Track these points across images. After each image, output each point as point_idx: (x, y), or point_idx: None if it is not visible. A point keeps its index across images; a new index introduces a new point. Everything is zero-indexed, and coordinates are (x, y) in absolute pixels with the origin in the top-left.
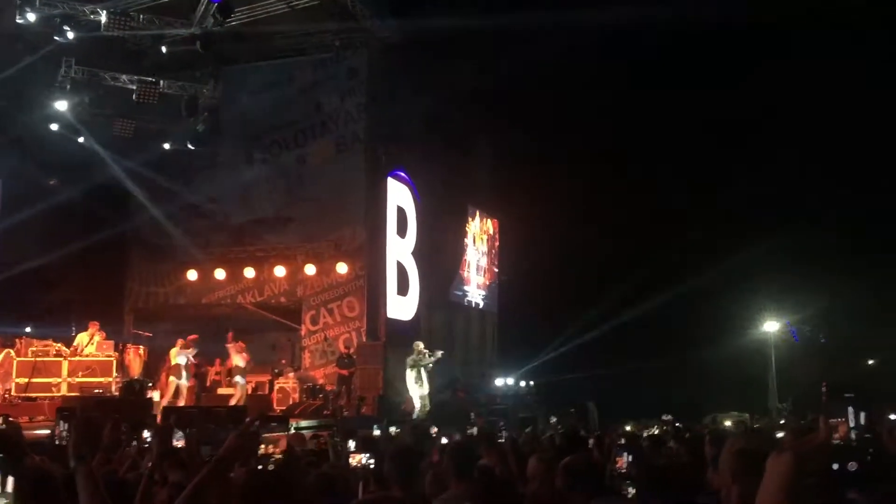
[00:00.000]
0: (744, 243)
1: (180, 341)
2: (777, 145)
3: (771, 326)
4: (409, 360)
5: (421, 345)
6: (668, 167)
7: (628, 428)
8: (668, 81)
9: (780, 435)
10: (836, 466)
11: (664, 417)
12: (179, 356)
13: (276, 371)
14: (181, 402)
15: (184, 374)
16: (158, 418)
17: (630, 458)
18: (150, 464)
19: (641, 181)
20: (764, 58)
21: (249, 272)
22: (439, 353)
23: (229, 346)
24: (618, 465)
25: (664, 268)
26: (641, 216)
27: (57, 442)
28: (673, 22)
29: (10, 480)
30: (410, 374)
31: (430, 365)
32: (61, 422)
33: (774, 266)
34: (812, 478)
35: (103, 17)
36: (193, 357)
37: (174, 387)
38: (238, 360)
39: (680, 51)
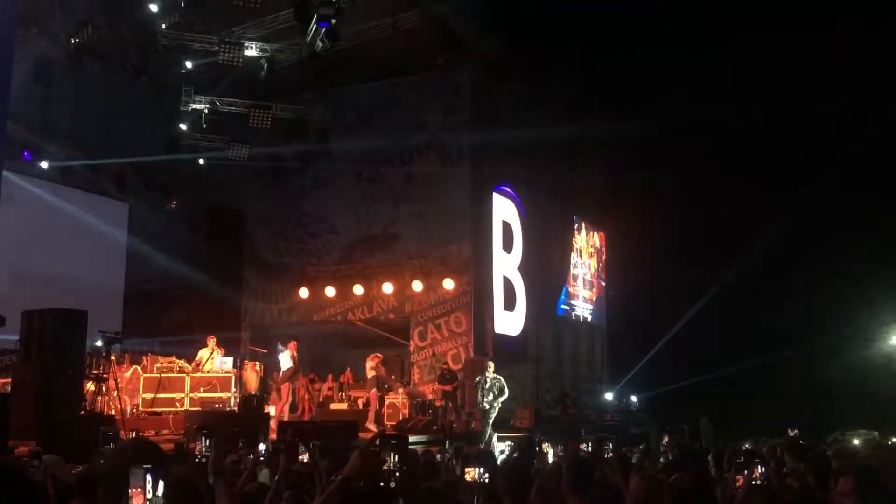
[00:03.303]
0: (869, 253)
1: (294, 343)
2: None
3: None
4: (482, 378)
5: (492, 366)
6: (785, 175)
7: (747, 446)
8: (786, 84)
9: None
10: None
11: (790, 433)
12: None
13: (387, 386)
14: (286, 409)
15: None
16: (272, 433)
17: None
18: (275, 478)
19: (755, 191)
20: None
21: (358, 289)
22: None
23: (374, 365)
24: (737, 484)
25: (781, 279)
26: (754, 227)
27: (198, 459)
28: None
29: (160, 486)
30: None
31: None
32: (203, 439)
33: None
34: None
35: (218, 46)
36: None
37: (287, 392)
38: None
39: (799, 48)
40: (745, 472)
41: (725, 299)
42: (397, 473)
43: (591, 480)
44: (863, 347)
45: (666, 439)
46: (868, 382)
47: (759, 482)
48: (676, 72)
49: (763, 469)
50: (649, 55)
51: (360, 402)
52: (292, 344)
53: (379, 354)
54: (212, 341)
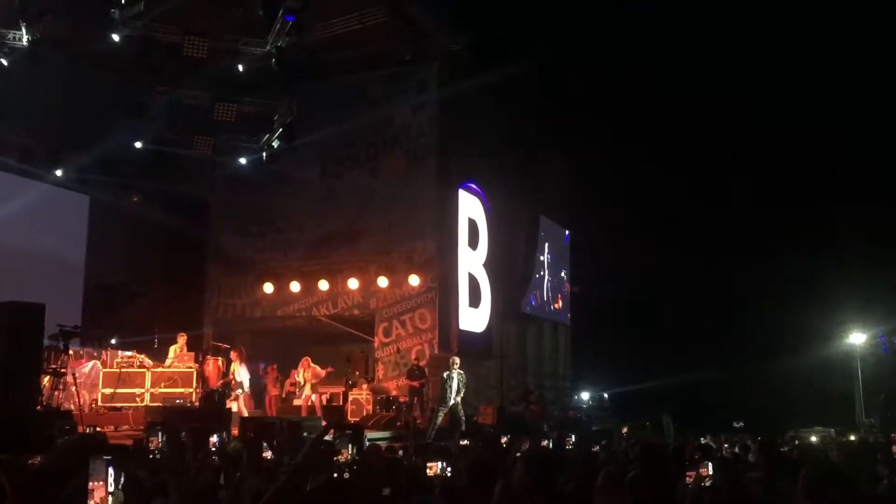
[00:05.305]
0: (826, 252)
1: (234, 353)
2: (863, 150)
3: (857, 338)
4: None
5: (458, 361)
6: (745, 174)
7: (705, 440)
8: (750, 89)
9: None
10: None
11: (735, 424)
12: (241, 370)
13: (350, 382)
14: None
15: (246, 386)
16: (234, 429)
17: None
18: (239, 475)
19: (714, 190)
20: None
21: (323, 285)
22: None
23: (306, 371)
24: (688, 480)
25: (741, 278)
26: (716, 226)
27: (152, 455)
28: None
29: (120, 478)
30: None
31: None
32: (160, 434)
33: (860, 275)
34: None
35: (182, 38)
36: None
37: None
38: (307, 376)
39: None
40: (696, 469)
41: (688, 297)
42: (355, 466)
43: (553, 475)
44: (820, 347)
45: (624, 430)
46: (824, 381)
47: (707, 483)
48: (643, 69)
49: (713, 469)
50: (616, 52)
51: (324, 399)
52: (234, 353)
53: (307, 357)
54: (182, 339)
